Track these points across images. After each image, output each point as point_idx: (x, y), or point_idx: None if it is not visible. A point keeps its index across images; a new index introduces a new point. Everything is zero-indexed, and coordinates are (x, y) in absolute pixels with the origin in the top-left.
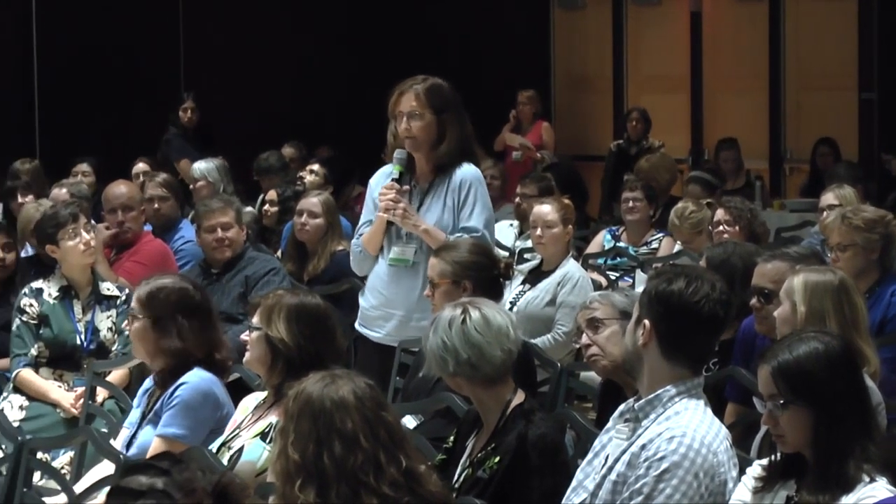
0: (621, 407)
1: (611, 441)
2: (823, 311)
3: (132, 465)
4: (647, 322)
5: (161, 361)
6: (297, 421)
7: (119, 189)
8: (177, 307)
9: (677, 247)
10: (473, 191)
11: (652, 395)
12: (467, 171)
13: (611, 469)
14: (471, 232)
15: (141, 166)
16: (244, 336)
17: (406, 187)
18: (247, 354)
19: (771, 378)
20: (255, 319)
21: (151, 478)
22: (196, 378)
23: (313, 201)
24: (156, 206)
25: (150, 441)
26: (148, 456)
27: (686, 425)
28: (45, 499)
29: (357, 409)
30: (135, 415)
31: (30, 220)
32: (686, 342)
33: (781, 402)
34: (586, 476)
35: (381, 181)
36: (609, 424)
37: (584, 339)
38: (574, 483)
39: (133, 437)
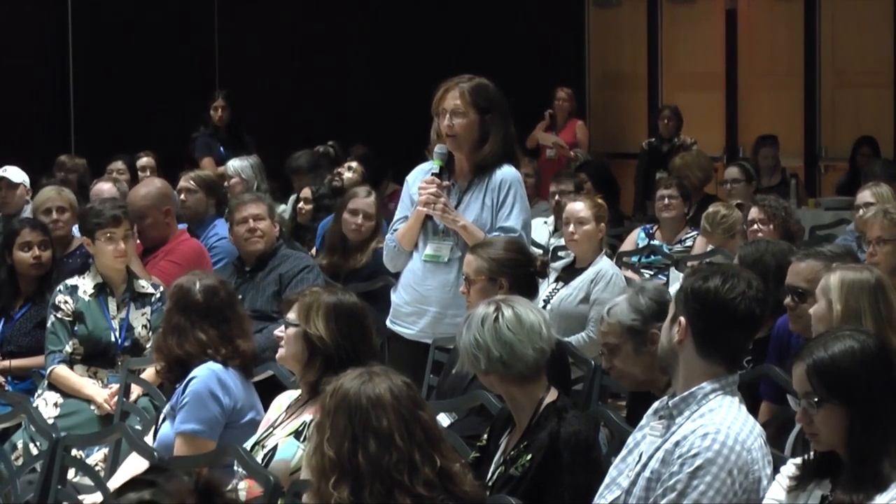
0: (655, 404)
1: (645, 438)
2: (859, 309)
3: (122, 486)
4: (682, 319)
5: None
6: (333, 417)
7: (132, 196)
8: (176, 307)
9: (711, 245)
10: (513, 192)
11: (686, 393)
12: (508, 172)
13: (645, 466)
14: (508, 232)
15: (145, 160)
16: (278, 332)
17: (447, 182)
18: (280, 350)
19: (806, 376)
20: (292, 316)
21: (139, 491)
22: (206, 370)
23: (369, 202)
24: (182, 197)
25: (170, 435)
26: (174, 453)
27: (720, 422)
28: (81, 497)
29: (393, 408)
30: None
31: (47, 198)
32: (721, 340)
33: (816, 400)
34: (620, 473)
35: (419, 177)
36: (643, 422)
37: (605, 363)
38: (607, 480)
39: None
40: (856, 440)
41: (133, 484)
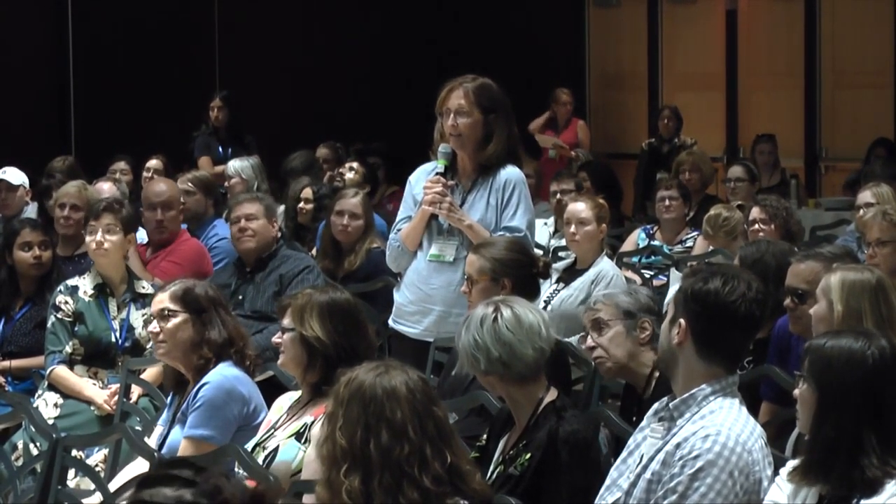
0: (656, 405)
1: (645, 440)
2: (860, 309)
3: (150, 476)
4: (682, 321)
5: (195, 357)
6: (346, 406)
7: (160, 187)
8: (215, 302)
9: (712, 246)
10: (518, 192)
11: (686, 394)
12: (512, 172)
13: (645, 468)
14: (513, 232)
15: (154, 163)
16: (275, 339)
17: (451, 182)
18: (281, 357)
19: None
20: (287, 321)
21: (177, 490)
22: (218, 376)
23: (354, 202)
24: (181, 199)
25: (179, 441)
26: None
27: (721, 424)
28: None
29: (408, 401)
30: (168, 413)
31: (66, 193)
32: (722, 341)
33: (803, 375)
34: (620, 474)
35: (422, 177)
36: (644, 423)
37: (589, 342)
38: (608, 481)
39: (166, 436)
40: (815, 427)
41: (167, 479)
